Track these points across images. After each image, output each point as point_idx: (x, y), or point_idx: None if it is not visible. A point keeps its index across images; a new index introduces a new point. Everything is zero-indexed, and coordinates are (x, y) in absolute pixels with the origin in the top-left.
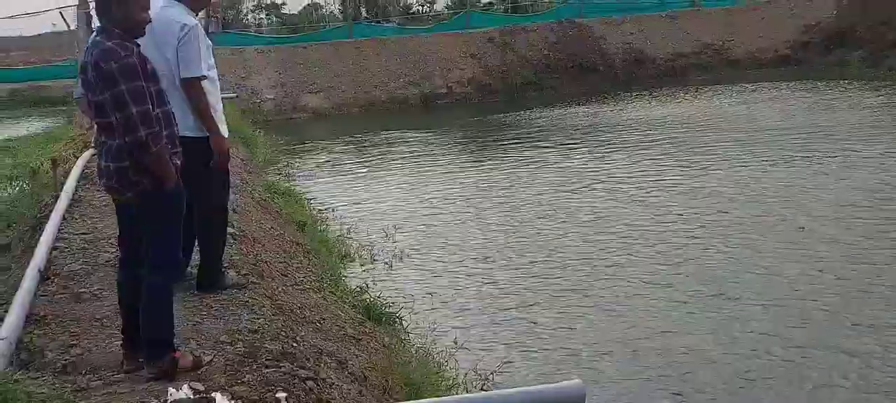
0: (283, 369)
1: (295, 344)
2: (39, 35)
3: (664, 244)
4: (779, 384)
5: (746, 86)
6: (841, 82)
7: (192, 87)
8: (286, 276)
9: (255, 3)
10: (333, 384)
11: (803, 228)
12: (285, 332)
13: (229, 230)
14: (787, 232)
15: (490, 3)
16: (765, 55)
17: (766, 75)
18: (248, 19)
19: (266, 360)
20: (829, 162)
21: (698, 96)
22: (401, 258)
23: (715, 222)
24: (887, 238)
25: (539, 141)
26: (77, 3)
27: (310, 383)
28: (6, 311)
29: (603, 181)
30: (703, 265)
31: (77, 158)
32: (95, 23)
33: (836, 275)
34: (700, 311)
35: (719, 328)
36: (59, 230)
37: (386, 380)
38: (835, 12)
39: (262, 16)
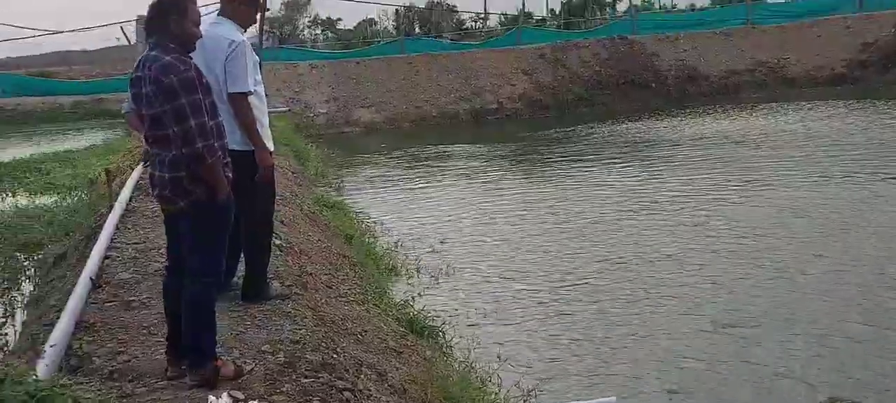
0: (321, 379)
1: (335, 355)
2: (101, 49)
3: (711, 267)
4: None
5: (803, 104)
6: None
7: (239, 102)
8: (331, 288)
9: (312, 18)
10: (372, 395)
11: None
12: (326, 343)
13: (276, 241)
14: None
15: (542, 20)
16: (821, 73)
17: (822, 93)
18: (303, 35)
19: (305, 370)
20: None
21: (753, 114)
22: (447, 272)
23: (768, 247)
24: None
25: (588, 157)
26: (136, 19)
27: (347, 394)
28: (58, 318)
29: (654, 199)
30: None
31: (132, 169)
32: None
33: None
34: (738, 338)
35: (758, 357)
36: (112, 239)
37: (425, 393)
38: (893, 30)
39: (318, 31)
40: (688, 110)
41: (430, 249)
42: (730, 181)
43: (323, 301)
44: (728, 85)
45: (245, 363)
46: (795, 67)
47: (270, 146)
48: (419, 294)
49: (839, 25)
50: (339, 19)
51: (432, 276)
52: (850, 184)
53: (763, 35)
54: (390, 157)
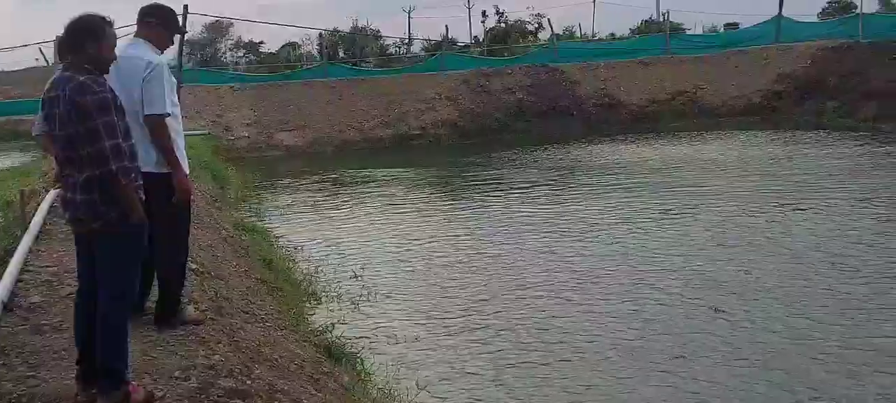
0: None
1: (249, 382)
2: (18, 70)
3: (624, 293)
4: None
5: (721, 133)
6: (818, 132)
7: (156, 124)
8: (247, 313)
9: (234, 41)
10: None
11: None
12: (240, 369)
13: (192, 265)
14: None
15: (466, 46)
16: (738, 103)
17: (739, 123)
18: (225, 57)
19: (218, 397)
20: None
21: (670, 142)
22: (368, 298)
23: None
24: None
25: (510, 183)
26: (55, 40)
27: None
28: None
29: (573, 225)
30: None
31: (47, 191)
32: None
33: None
34: (663, 364)
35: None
36: (24, 262)
37: None
38: (809, 62)
39: (240, 54)
40: (607, 138)
41: (350, 274)
42: (646, 208)
43: (239, 326)
44: (647, 113)
45: (156, 389)
46: (713, 97)
47: (186, 168)
48: (339, 319)
49: (756, 57)
50: (262, 42)
51: (352, 302)
52: (759, 213)
53: (682, 65)
54: (312, 182)
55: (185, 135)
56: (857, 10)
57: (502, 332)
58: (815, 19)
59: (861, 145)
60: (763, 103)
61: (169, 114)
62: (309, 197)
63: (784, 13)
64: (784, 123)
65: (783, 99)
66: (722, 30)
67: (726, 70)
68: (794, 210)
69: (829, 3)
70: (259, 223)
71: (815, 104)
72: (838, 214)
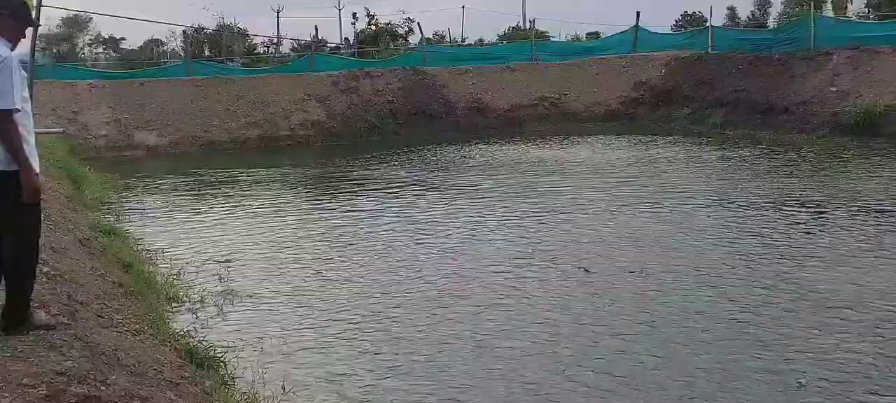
0: None
1: (104, 388)
2: None
3: (495, 288)
4: None
5: (583, 137)
6: (668, 138)
7: (4, 120)
8: (103, 318)
9: (93, 36)
10: None
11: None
12: (94, 375)
13: (44, 268)
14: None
15: (336, 47)
16: (598, 109)
17: (600, 128)
18: (84, 53)
19: None
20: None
21: (536, 145)
22: (232, 300)
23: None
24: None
25: (378, 184)
26: None
27: None
28: None
29: (438, 224)
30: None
31: None
32: None
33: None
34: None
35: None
36: None
37: None
38: (664, 71)
39: (100, 50)
40: (474, 141)
41: (215, 276)
42: (506, 208)
43: (93, 331)
44: (514, 118)
45: (3, 397)
46: (575, 103)
47: (36, 166)
48: (202, 323)
49: (616, 65)
50: (123, 39)
51: (216, 304)
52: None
53: (546, 71)
54: (176, 183)
55: (38, 134)
56: (708, 23)
57: (369, 332)
58: (669, 31)
59: (708, 149)
60: (622, 109)
61: (18, 110)
62: (172, 198)
63: (640, 24)
64: (641, 128)
65: (640, 105)
66: (584, 38)
67: (588, 77)
68: (633, 211)
69: (682, 15)
70: (118, 225)
71: (669, 111)
72: (686, 211)
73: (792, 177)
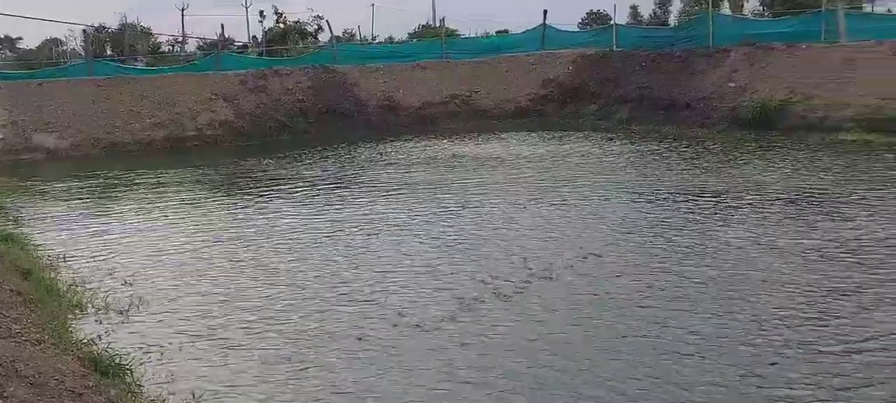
0: None
1: (0, 401)
2: None
3: (408, 287)
4: None
5: (494, 134)
6: (578, 133)
7: None
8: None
9: None
10: None
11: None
12: None
13: None
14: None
15: (244, 46)
16: (508, 106)
17: (510, 125)
18: None
19: None
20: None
21: (451, 142)
22: (138, 306)
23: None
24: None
25: (289, 184)
26: None
27: None
28: None
29: (347, 224)
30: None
31: None
32: None
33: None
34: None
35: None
36: None
37: None
38: (571, 68)
39: None
40: (387, 139)
41: (120, 282)
42: (422, 204)
43: None
44: (425, 115)
45: None
46: (486, 100)
47: None
48: (107, 330)
49: (525, 62)
50: (20, 38)
51: (122, 311)
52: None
53: (457, 69)
54: (78, 186)
55: None
56: (612, 22)
57: (281, 335)
58: (575, 29)
59: (616, 144)
60: (531, 106)
61: None
62: (74, 202)
63: (548, 22)
64: (551, 125)
65: (549, 102)
66: (494, 35)
67: (498, 74)
68: (542, 203)
69: (588, 14)
70: (15, 231)
71: (577, 107)
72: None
73: (695, 169)
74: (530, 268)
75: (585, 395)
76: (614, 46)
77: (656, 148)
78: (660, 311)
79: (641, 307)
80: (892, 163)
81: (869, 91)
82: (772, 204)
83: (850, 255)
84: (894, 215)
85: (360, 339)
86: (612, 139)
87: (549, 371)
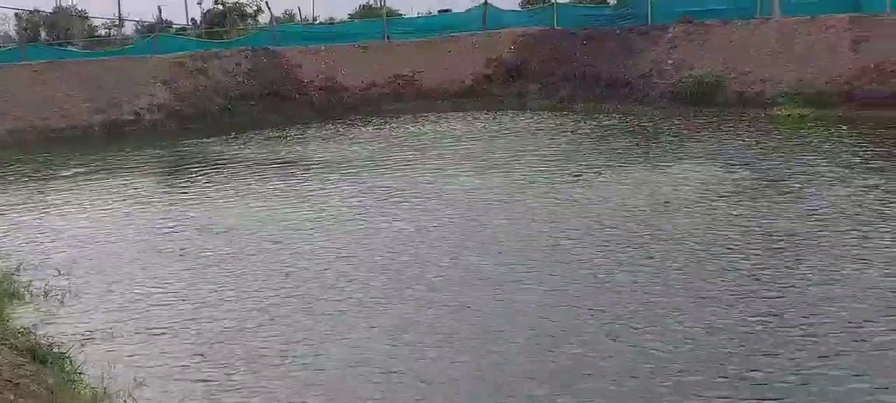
0: None
1: None
2: None
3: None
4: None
5: (439, 114)
6: (523, 112)
7: None
8: None
9: None
10: None
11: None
12: None
13: None
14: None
15: (183, 28)
16: (452, 86)
17: (455, 105)
18: None
19: None
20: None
21: (389, 124)
22: (78, 293)
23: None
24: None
25: (231, 168)
26: None
27: None
28: None
29: (291, 202)
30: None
31: None
32: None
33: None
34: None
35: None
36: None
37: None
38: (512, 47)
39: None
40: (329, 121)
41: (58, 269)
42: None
43: None
44: (368, 97)
45: None
46: (430, 80)
47: None
48: (44, 319)
49: (467, 42)
50: None
51: (59, 299)
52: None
53: (400, 49)
54: (12, 174)
55: None
56: (552, 1)
57: (223, 318)
58: (517, 8)
59: (557, 122)
60: (475, 86)
61: None
62: (8, 190)
63: (489, 1)
64: (493, 105)
65: (492, 81)
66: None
67: (441, 54)
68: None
69: None
70: None
71: (520, 86)
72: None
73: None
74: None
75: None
76: (555, 25)
77: (594, 124)
78: None
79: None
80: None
81: (802, 66)
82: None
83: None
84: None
85: (306, 322)
86: (556, 116)
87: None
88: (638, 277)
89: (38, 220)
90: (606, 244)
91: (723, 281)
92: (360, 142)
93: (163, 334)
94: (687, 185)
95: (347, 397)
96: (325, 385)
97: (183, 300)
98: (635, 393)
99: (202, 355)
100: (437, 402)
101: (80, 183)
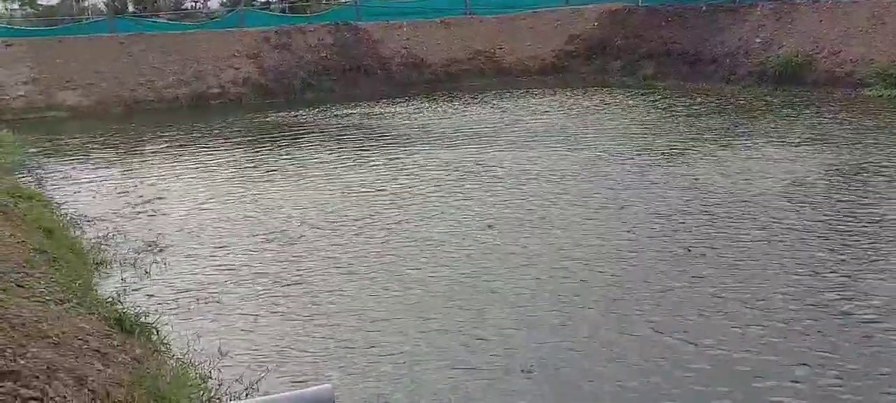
0: (2, 390)
1: (21, 362)
2: None
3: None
4: None
5: (521, 91)
6: (602, 89)
7: None
8: (23, 288)
9: None
10: (65, 402)
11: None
12: (12, 349)
13: None
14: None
15: (267, 3)
16: (533, 63)
17: (536, 82)
18: None
19: None
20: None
21: (472, 100)
22: (165, 265)
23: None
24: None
25: (314, 143)
26: None
27: None
28: None
29: (377, 185)
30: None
31: None
32: None
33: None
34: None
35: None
36: None
37: (131, 396)
38: (596, 23)
39: (15, 5)
40: (411, 96)
41: (146, 240)
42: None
43: (12, 302)
44: (449, 73)
45: None
46: (510, 57)
47: None
48: (132, 289)
49: (549, 18)
50: None
51: (146, 271)
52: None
53: (481, 25)
54: (101, 144)
55: None
56: None
57: (308, 293)
58: None
59: (640, 100)
60: (556, 63)
61: None
62: (97, 160)
63: None
64: (575, 82)
65: (574, 58)
66: None
67: (522, 31)
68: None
69: None
70: (38, 189)
71: (602, 64)
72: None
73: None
74: None
75: None
76: (639, 2)
77: (681, 103)
78: None
79: None
80: None
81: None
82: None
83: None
84: None
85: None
86: (635, 95)
87: None
88: None
89: (126, 191)
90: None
91: None
92: (474, 118)
93: (249, 306)
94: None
95: None
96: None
97: (270, 272)
98: None
99: (286, 334)
100: None
101: (167, 154)
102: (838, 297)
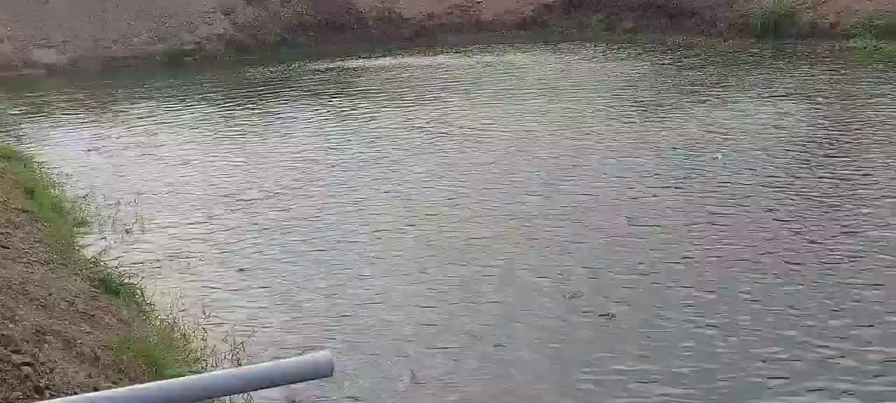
0: None
1: (11, 325)
2: None
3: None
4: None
5: (499, 45)
6: (583, 43)
7: None
8: (7, 248)
9: None
10: (56, 367)
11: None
12: (2, 312)
13: None
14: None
15: None
16: (510, 17)
17: (514, 37)
18: None
19: None
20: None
21: (447, 53)
22: (146, 223)
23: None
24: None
25: (291, 98)
26: None
27: (27, 368)
28: None
29: (358, 139)
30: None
31: None
32: None
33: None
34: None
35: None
36: None
37: (120, 358)
38: None
39: None
40: (385, 51)
41: (126, 198)
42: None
43: None
44: (426, 27)
45: None
46: (487, 11)
47: None
48: (114, 249)
49: None
50: None
51: (127, 229)
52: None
53: None
54: (78, 102)
55: None
56: None
57: (288, 251)
58: None
59: (620, 54)
60: (535, 17)
61: None
62: (75, 118)
63: None
64: (554, 36)
65: (552, 12)
66: None
67: None
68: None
69: None
70: (17, 148)
71: (580, 17)
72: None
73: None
74: None
75: None
76: None
77: (662, 58)
78: None
79: None
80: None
81: None
82: None
83: None
84: None
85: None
86: (616, 48)
87: None
88: None
89: (105, 149)
90: None
91: None
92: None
93: (231, 266)
94: None
95: None
96: None
97: (252, 231)
98: None
99: (269, 286)
100: None
101: (144, 112)
102: None
